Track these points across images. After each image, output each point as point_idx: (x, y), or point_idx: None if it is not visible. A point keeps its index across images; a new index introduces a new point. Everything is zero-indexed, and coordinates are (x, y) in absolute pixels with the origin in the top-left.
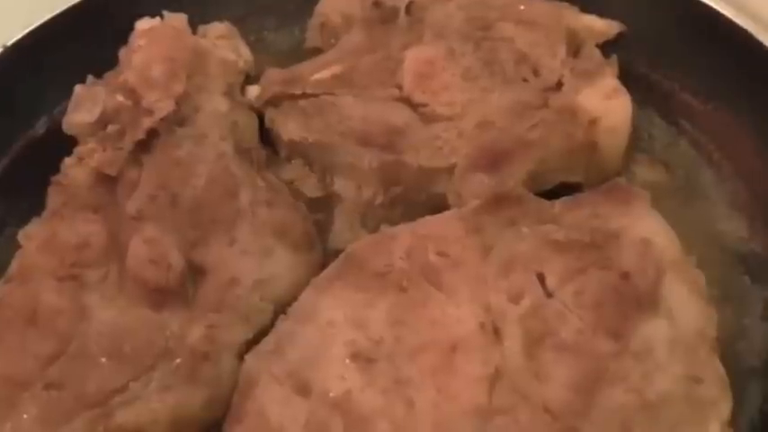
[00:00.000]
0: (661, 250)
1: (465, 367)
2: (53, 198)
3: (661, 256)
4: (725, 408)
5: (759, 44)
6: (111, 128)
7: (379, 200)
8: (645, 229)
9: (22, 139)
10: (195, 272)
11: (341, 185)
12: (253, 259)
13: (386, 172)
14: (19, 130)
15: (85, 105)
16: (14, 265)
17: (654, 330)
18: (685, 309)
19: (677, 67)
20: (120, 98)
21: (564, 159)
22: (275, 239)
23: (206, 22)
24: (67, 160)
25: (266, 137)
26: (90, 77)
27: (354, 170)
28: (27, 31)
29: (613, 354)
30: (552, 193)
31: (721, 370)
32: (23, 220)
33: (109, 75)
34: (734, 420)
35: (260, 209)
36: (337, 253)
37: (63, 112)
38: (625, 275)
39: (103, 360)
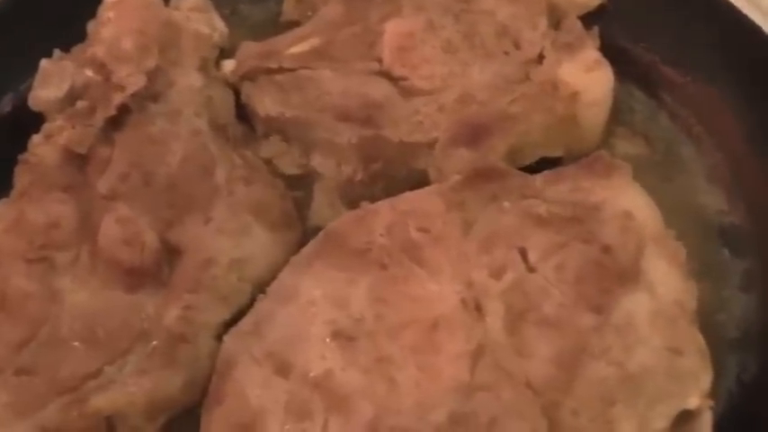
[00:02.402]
0: (642, 223)
1: (447, 344)
2: (21, 178)
3: (642, 230)
4: (705, 379)
5: (741, 17)
6: (80, 104)
7: (359, 176)
8: (626, 202)
9: None
10: (170, 252)
11: (320, 162)
12: (230, 238)
13: (365, 148)
14: None
15: (53, 81)
16: None
17: (635, 303)
18: (666, 282)
19: (658, 40)
20: (89, 73)
21: (545, 133)
22: (253, 218)
23: None
24: (35, 138)
25: (242, 113)
26: (57, 52)
27: (333, 146)
28: None
29: (595, 327)
30: (533, 168)
31: (701, 342)
32: None
33: (77, 49)
34: (713, 391)
35: (237, 187)
36: (317, 231)
37: (30, 89)
38: (606, 249)
39: (77, 344)
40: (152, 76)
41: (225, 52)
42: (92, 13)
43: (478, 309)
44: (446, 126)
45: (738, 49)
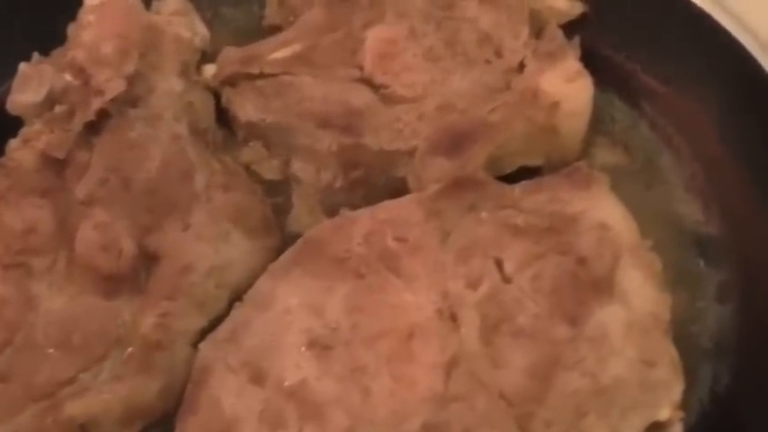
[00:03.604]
0: (618, 235)
1: (422, 354)
2: None
3: (618, 241)
4: (676, 390)
5: (722, 29)
6: (58, 108)
7: (338, 183)
8: (603, 213)
9: None
10: (148, 258)
11: (300, 168)
12: (208, 245)
13: (345, 155)
14: None
15: (31, 85)
16: None
17: (609, 315)
18: (640, 293)
19: (639, 49)
20: (68, 77)
21: (525, 143)
22: (231, 224)
23: None
24: (12, 142)
25: (223, 117)
26: (36, 55)
27: (314, 153)
28: None
29: (569, 339)
30: (512, 177)
31: (674, 353)
32: None
33: (56, 52)
34: (685, 400)
35: (216, 193)
36: (296, 237)
37: (6, 92)
38: (582, 260)
39: (52, 351)
40: (132, 80)
41: (206, 56)
42: (72, 16)
43: (454, 319)
44: (426, 134)
45: (719, 61)
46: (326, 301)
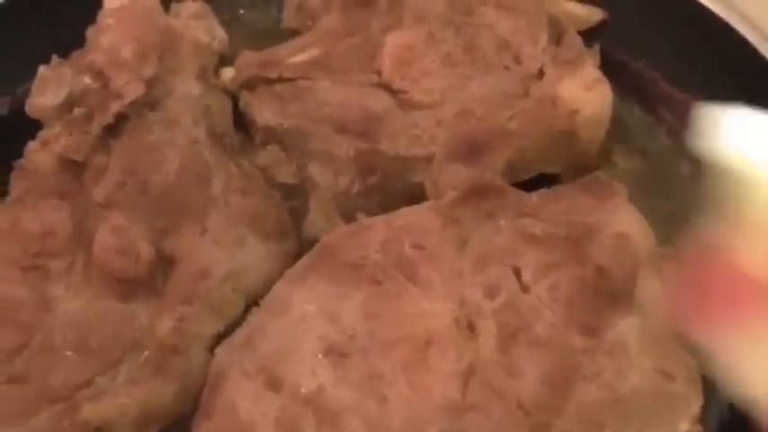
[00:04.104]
0: (636, 245)
1: (439, 363)
2: (16, 184)
3: (636, 252)
4: (695, 404)
5: (741, 37)
6: (77, 111)
7: (355, 188)
8: (621, 224)
9: None
10: (165, 262)
11: (317, 173)
12: (225, 250)
13: (363, 160)
14: None
15: (50, 88)
16: None
17: (627, 326)
18: (659, 304)
19: (659, 57)
20: (87, 80)
21: (543, 150)
22: (248, 229)
23: (178, 0)
24: (31, 145)
25: (240, 120)
26: (55, 58)
27: (331, 158)
28: None
29: (587, 349)
30: (529, 184)
31: (693, 366)
32: None
33: (76, 55)
34: (704, 413)
35: (233, 197)
36: (312, 242)
37: (27, 93)
38: (600, 271)
39: (69, 353)
40: (150, 83)
41: (224, 59)
42: (91, 17)
43: (471, 327)
44: (444, 141)
45: (738, 68)
46: (343, 307)
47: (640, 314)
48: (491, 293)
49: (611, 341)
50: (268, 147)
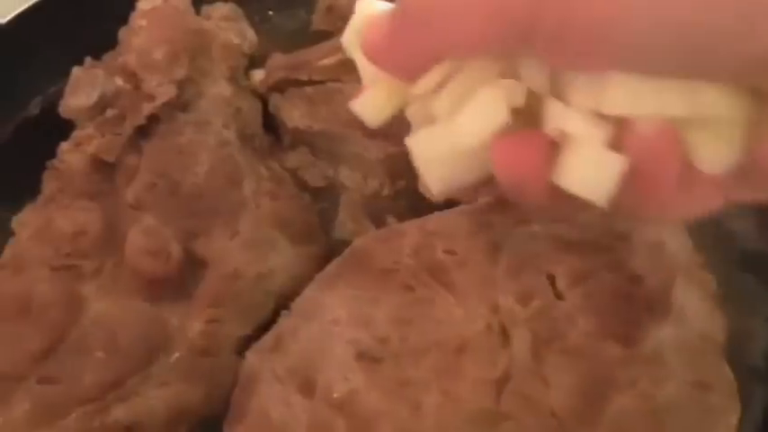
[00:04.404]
0: (673, 253)
1: (472, 370)
2: (48, 184)
3: (672, 260)
4: (733, 417)
5: None
6: (109, 112)
7: (385, 191)
8: (657, 230)
9: (15, 119)
10: (195, 264)
11: (346, 175)
12: (255, 252)
13: (393, 164)
14: (13, 110)
15: (84, 89)
16: (7, 253)
17: (664, 335)
18: (695, 313)
19: None
20: (119, 82)
21: None
22: (278, 232)
23: (209, 2)
24: (64, 145)
25: (268, 122)
26: (88, 59)
27: (361, 160)
28: (24, 8)
29: (622, 359)
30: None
31: (730, 377)
32: (15, 204)
33: (108, 56)
34: (739, 424)
35: (263, 200)
36: (341, 244)
37: (57, 92)
38: (636, 278)
39: (99, 354)
40: (182, 85)
41: (254, 61)
42: (123, 18)
43: (504, 335)
44: None
45: None
46: (375, 312)
47: (677, 324)
48: (524, 300)
49: (647, 351)
50: (297, 148)
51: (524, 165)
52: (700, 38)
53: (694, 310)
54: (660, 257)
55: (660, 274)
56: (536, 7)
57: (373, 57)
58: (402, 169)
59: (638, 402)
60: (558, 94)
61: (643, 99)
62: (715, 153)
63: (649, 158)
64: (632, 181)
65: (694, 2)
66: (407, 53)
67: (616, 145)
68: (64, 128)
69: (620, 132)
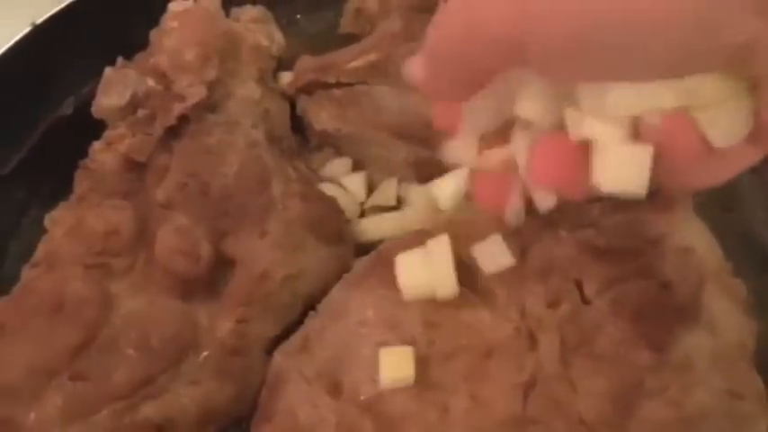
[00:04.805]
0: (702, 259)
1: (500, 373)
2: (80, 183)
3: (702, 266)
4: (763, 425)
5: None
6: (141, 112)
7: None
8: (686, 236)
9: (48, 119)
10: (224, 263)
11: (374, 178)
12: (284, 253)
13: (421, 167)
14: (46, 109)
15: (116, 89)
16: (41, 250)
17: (694, 342)
18: (726, 320)
19: None
20: (150, 82)
21: None
22: (307, 233)
23: (238, 4)
24: (96, 145)
25: (296, 125)
26: (120, 60)
27: (388, 163)
28: (57, 9)
29: (652, 365)
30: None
31: (760, 385)
32: (48, 202)
33: (139, 57)
34: None
35: (292, 201)
36: (368, 246)
37: (90, 93)
38: (666, 285)
39: (131, 352)
40: (212, 86)
41: (282, 63)
42: (154, 19)
43: (532, 339)
44: None
45: None
46: (402, 314)
47: (707, 331)
48: (552, 305)
49: (676, 358)
50: (324, 150)
51: (561, 169)
52: (673, 39)
53: (724, 316)
54: (690, 264)
55: (690, 281)
56: (516, 24)
57: (420, 88)
58: (431, 173)
59: (668, 409)
60: (573, 102)
61: (639, 99)
62: (722, 130)
63: (665, 140)
64: (656, 161)
65: (663, 8)
66: (441, 87)
67: (635, 136)
68: (96, 128)
69: (636, 123)
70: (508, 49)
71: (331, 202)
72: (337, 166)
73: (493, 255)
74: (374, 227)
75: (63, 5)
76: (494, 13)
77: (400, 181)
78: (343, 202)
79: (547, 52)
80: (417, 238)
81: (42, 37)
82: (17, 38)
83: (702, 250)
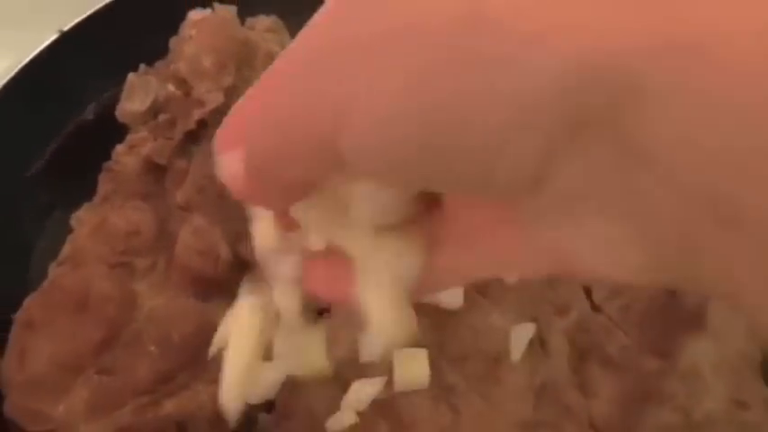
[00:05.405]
0: None
1: (510, 378)
2: (103, 184)
3: None
4: None
5: None
6: (161, 117)
7: None
8: None
9: (72, 123)
10: (240, 265)
11: None
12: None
13: None
14: (70, 114)
15: (138, 94)
16: (66, 249)
17: (700, 350)
18: (731, 330)
19: None
20: (171, 88)
21: None
22: None
23: (252, 14)
24: (119, 148)
25: None
26: (142, 66)
27: None
28: (83, 16)
29: (660, 372)
30: None
31: (766, 394)
32: (72, 204)
33: (160, 64)
34: None
35: None
36: None
37: (111, 98)
38: (672, 293)
39: (153, 348)
40: (228, 92)
41: None
42: (173, 28)
43: (542, 344)
44: None
45: None
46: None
47: (714, 339)
48: (561, 311)
49: (683, 365)
50: None
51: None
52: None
53: (730, 326)
54: None
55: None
56: (338, 119)
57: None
58: None
59: (676, 416)
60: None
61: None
62: None
63: None
64: None
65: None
66: (261, 193)
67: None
68: (117, 131)
69: None
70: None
71: None
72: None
73: None
74: None
75: (88, 13)
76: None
77: None
78: None
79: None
80: None
81: (69, 44)
82: (45, 44)
83: None
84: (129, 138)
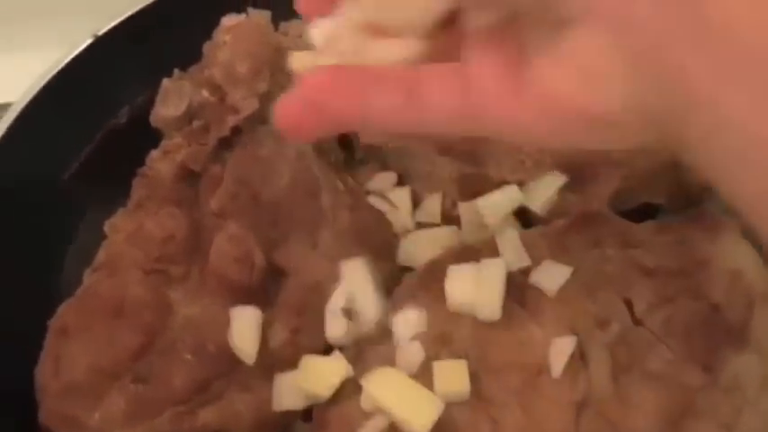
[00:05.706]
0: (751, 282)
1: (551, 391)
2: (138, 190)
3: (751, 289)
4: None
5: None
6: (196, 123)
7: (456, 211)
8: (735, 259)
9: (105, 127)
10: (275, 273)
11: (418, 193)
12: (335, 264)
13: (466, 183)
14: (103, 118)
15: (172, 100)
16: (102, 255)
17: (743, 365)
18: None
19: None
20: (205, 94)
21: (647, 180)
22: (356, 244)
23: (286, 18)
24: (154, 153)
25: (341, 138)
26: (176, 71)
27: (433, 178)
28: (115, 23)
29: (703, 386)
30: (629, 215)
31: None
32: (104, 208)
33: (194, 69)
34: None
35: (341, 213)
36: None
37: (144, 103)
38: (715, 307)
39: (188, 357)
40: (263, 99)
41: None
42: (207, 33)
43: (583, 357)
44: (550, 168)
45: None
46: (453, 329)
47: (757, 353)
48: (602, 324)
49: (726, 379)
50: (368, 164)
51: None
52: None
53: None
54: (738, 286)
55: (738, 303)
56: None
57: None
58: (476, 189)
59: (718, 431)
60: None
61: None
62: None
63: None
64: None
65: None
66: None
67: None
68: (150, 136)
69: None
70: None
71: (380, 215)
72: (383, 179)
73: (551, 274)
74: (420, 243)
75: (123, 18)
76: None
77: (444, 196)
78: (390, 216)
79: None
80: (469, 254)
81: (103, 48)
82: (80, 48)
83: (750, 273)
84: (164, 144)
